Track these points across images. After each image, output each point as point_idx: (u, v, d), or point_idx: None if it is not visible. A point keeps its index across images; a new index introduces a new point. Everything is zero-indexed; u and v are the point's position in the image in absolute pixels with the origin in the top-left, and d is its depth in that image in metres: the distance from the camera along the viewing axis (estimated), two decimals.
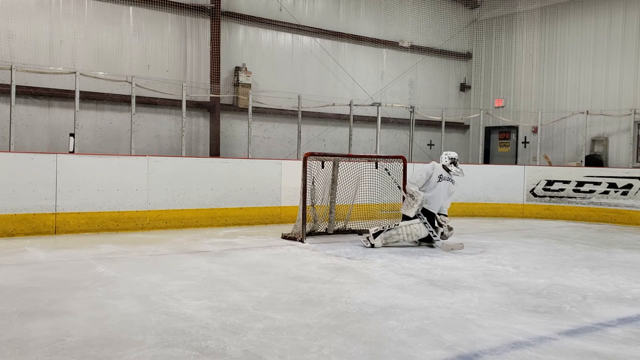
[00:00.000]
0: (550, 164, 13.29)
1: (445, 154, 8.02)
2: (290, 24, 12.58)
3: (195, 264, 6.05)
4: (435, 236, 7.59)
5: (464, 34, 15.51)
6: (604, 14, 13.32)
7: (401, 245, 7.72)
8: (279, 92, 12.05)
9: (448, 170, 7.90)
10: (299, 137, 11.50)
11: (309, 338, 3.61)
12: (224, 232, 8.72)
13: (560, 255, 7.21)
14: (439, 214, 7.85)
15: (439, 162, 8.07)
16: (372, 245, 7.55)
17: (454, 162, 7.91)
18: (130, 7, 10.71)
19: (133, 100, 9.58)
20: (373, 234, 7.64)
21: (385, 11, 14.12)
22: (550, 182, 11.92)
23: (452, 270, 6.03)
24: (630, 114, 12.35)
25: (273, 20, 12.40)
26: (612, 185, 11.27)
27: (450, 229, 7.74)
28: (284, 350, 3.37)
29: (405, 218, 7.82)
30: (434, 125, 14.16)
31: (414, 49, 14.59)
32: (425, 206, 7.73)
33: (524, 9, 14.65)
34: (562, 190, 11.81)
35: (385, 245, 7.60)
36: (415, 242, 7.80)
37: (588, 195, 11.57)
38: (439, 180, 7.78)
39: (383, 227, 7.70)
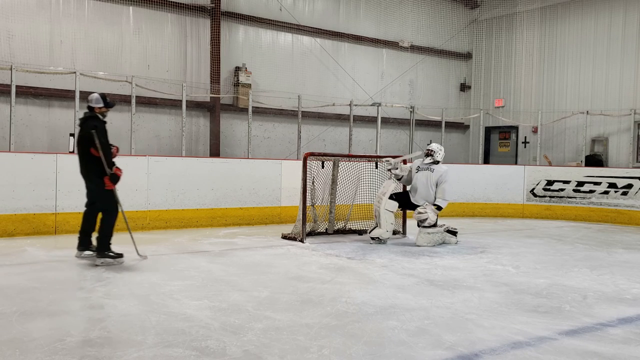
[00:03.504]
0: (550, 164, 13.29)
1: (440, 150, 8.16)
2: (290, 24, 12.57)
3: (195, 264, 6.05)
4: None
5: (464, 34, 15.50)
6: (604, 14, 13.32)
7: (402, 244, 7.72)
8: (279, 92, 12.05)
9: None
10: (299, 137, 11.50)
11: (309, 338, 3.61)
12: (224, 232, 8.71)
13: (560, 255, 7.21)
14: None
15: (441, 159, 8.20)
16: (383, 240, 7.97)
17: (427, 153, 8.12)
18: (130, 7, 10.70)
19: (133, 100, 9.57)
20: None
21: (385, 11, 14.11)
22: (550, 182, 11.92)
23: (452, 270, 6.03)
24: (630, 114, 12.35)
25: (273, 20, 12.40)
26: (612, 185, 11.27)
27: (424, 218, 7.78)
28: (284, 350, 3.37)
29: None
30: (434, 125, 14.15)
31: (414, 49, 14.58)
32: (411, 197, 8.01)
33: (524, 9, 14.64)
34: (562, 190, 11.81)
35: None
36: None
37: (588, 195, 11.57)
38: (417, 171, 8.02)
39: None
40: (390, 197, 7.86)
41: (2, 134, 9.44)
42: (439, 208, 7.81)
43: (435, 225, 7.77)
